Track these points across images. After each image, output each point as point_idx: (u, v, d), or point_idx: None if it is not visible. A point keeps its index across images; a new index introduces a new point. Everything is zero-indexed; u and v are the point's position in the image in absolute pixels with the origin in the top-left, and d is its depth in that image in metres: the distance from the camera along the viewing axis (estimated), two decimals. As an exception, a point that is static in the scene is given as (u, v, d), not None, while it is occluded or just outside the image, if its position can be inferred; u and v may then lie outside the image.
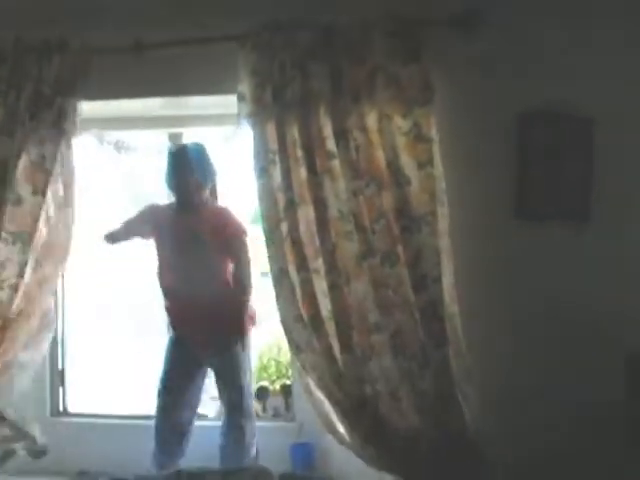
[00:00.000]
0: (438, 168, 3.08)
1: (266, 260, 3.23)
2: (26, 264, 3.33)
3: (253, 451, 3.69)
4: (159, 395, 3.77)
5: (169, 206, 3.87)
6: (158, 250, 3.83)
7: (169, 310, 3.86)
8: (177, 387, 3.76)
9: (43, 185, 3.34)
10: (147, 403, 3.91)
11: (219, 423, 3.78)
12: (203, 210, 3.80)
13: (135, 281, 4.61)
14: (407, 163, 3.07)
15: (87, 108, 3.34)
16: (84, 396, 4.17)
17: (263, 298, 3.96)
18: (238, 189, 4.05)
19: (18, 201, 3.34)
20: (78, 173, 3.41)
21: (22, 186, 3.34)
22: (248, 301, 3.79)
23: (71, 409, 3.79)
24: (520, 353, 3.13)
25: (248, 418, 3.71)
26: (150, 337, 4.53)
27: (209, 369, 3.85)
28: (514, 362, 3.13)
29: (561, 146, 3.17)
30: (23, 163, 3.33)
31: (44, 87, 3.30)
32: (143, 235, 3.88)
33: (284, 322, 3.20)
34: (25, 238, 3.33)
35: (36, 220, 3.33)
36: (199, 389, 3.85)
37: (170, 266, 3.77)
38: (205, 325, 3.69)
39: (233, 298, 3.75)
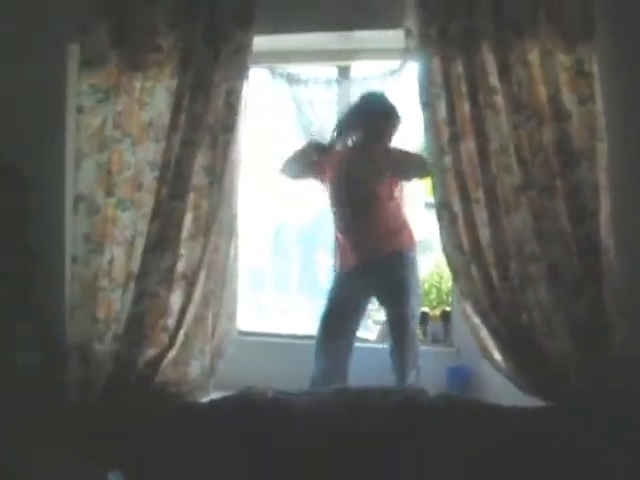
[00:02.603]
0: (599, 104, 3.42)
1: (428, 190, 3.76)
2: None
3: (414, 373, 4.21)
4: (322, 325, 4.36)
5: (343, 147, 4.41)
6: (332, 187, 4.41)
7: (340, 245, 4.45)
8: (340, 317, 4.34)
9: (233, 123, 3.78)
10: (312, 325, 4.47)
11: (380, 346, 4.39)
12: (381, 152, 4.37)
13: (303, 212, 5.23)
14: (568, 98, 3.43)
15: (259, 42, 3.77)
16: (252, 315, 4.78)
17: (427, 228, 4.54)
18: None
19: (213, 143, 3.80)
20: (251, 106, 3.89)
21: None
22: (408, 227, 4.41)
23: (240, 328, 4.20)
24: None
25: (412, 341, 4.27)
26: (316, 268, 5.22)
27: (373, 296, 4.43)
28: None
29: None
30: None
31: (221, 20, 3.74)
32: (315, 170, 4.46)
33: (445, 250, 3.63)
34: (219, 173, 3.80)
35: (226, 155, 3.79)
36: (361, 316, 4.44)
37: (344, 203, 4.35)
38: (372, 255, 4.33)
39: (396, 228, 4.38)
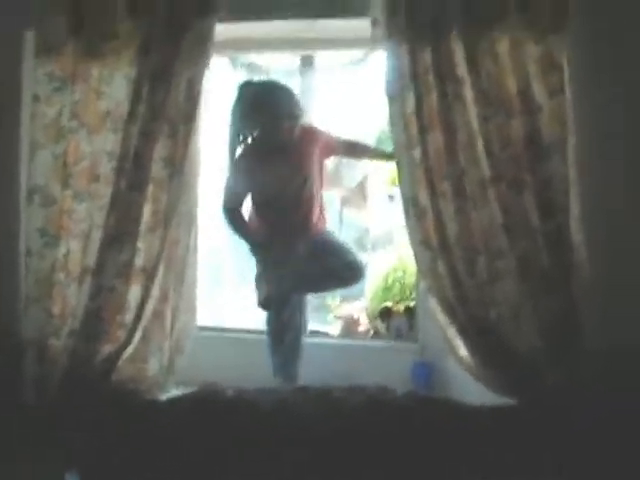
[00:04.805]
0: (569, 96, 3.35)
1: (391, 183, 3.65)
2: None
3: None
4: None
5: (256, 148, 4.23)
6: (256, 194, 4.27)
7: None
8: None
9: (193, 113, 3.64)
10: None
11: (342, 342, 4.38)
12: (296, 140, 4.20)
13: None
14: (538, 91, 3.35)
15: (220, 30, 3.64)
16: (211, 310, 4.67)
17: (388, 221, 4.42)
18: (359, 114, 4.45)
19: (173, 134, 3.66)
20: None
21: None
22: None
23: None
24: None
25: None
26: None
27: None
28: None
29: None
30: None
31: (181, 7, 3.59)
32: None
33: (411, 245, 3.56)
34: (179, 165, 3.66)
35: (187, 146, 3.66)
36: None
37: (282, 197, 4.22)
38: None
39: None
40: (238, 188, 4.21)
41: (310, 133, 4.23)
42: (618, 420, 3.19)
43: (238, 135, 4.17)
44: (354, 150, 4.43)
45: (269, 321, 4.26)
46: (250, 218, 4.34)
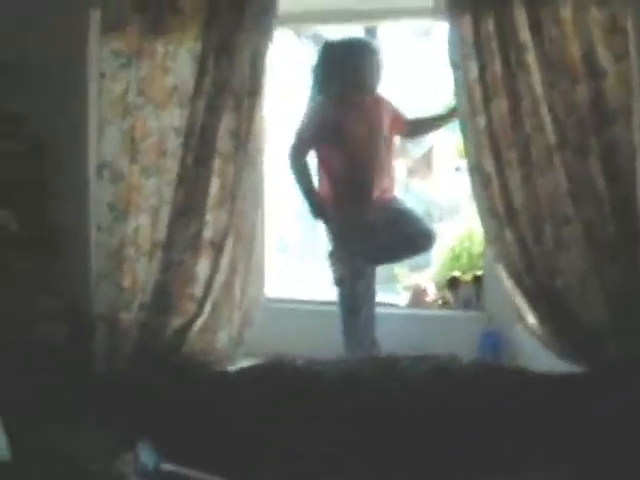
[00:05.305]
0: (634, 61, 3.31)
1: (457, 154, 3.64)
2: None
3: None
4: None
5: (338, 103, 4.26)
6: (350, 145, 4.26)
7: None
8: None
9: (258, 86, 3.68)
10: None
11: (411, 311, 4.39)
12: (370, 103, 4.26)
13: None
14: (603, 55, 3.30)
15: (284, 1, 3.66)
16: (279, 282, 4.69)
17: (455, 192, 4.41)
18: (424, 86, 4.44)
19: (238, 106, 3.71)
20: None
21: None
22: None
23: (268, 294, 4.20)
24: None
25: None
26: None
27: None
28: None
29: None
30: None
31: None
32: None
33: (478, 213, 3.57)
34: (244, 138, 3.70)
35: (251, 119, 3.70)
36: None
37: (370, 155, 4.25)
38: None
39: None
40: (312, 133, 4.25)
41: (383, 102, 4.28)
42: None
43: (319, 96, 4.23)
44: (421, 126, 4.44)
45: (343, 296, 4.27)
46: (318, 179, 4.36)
